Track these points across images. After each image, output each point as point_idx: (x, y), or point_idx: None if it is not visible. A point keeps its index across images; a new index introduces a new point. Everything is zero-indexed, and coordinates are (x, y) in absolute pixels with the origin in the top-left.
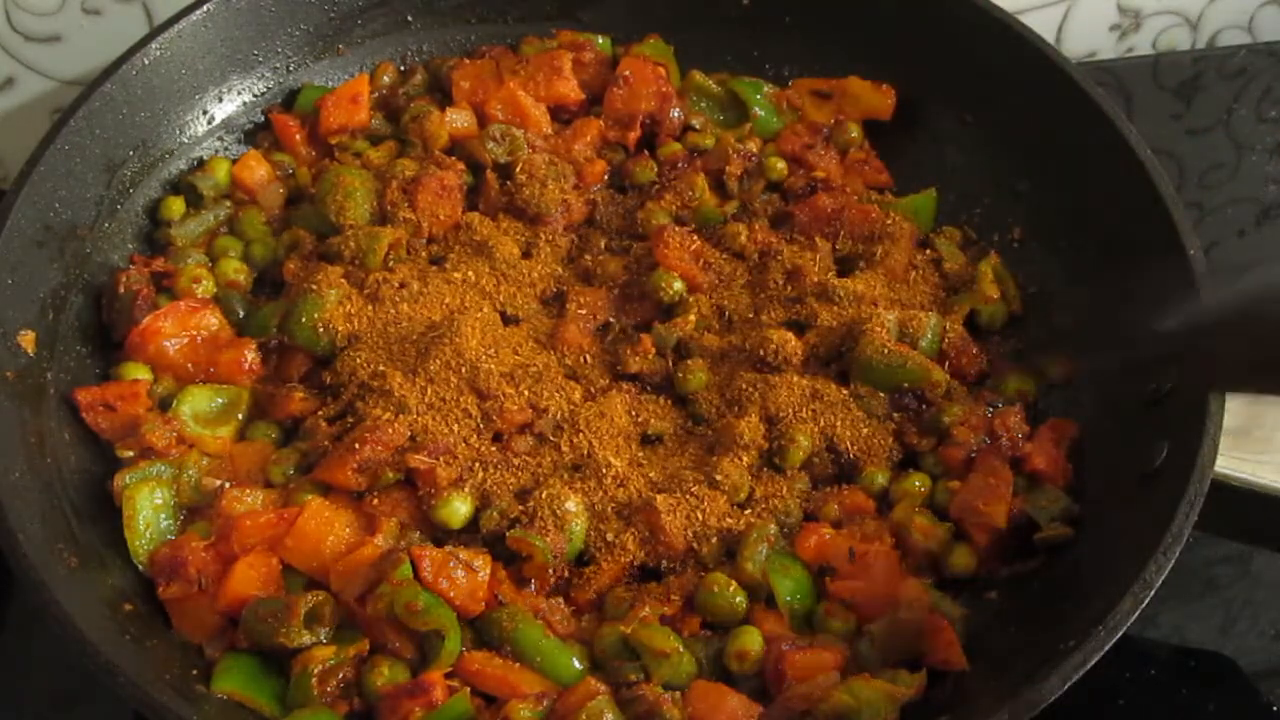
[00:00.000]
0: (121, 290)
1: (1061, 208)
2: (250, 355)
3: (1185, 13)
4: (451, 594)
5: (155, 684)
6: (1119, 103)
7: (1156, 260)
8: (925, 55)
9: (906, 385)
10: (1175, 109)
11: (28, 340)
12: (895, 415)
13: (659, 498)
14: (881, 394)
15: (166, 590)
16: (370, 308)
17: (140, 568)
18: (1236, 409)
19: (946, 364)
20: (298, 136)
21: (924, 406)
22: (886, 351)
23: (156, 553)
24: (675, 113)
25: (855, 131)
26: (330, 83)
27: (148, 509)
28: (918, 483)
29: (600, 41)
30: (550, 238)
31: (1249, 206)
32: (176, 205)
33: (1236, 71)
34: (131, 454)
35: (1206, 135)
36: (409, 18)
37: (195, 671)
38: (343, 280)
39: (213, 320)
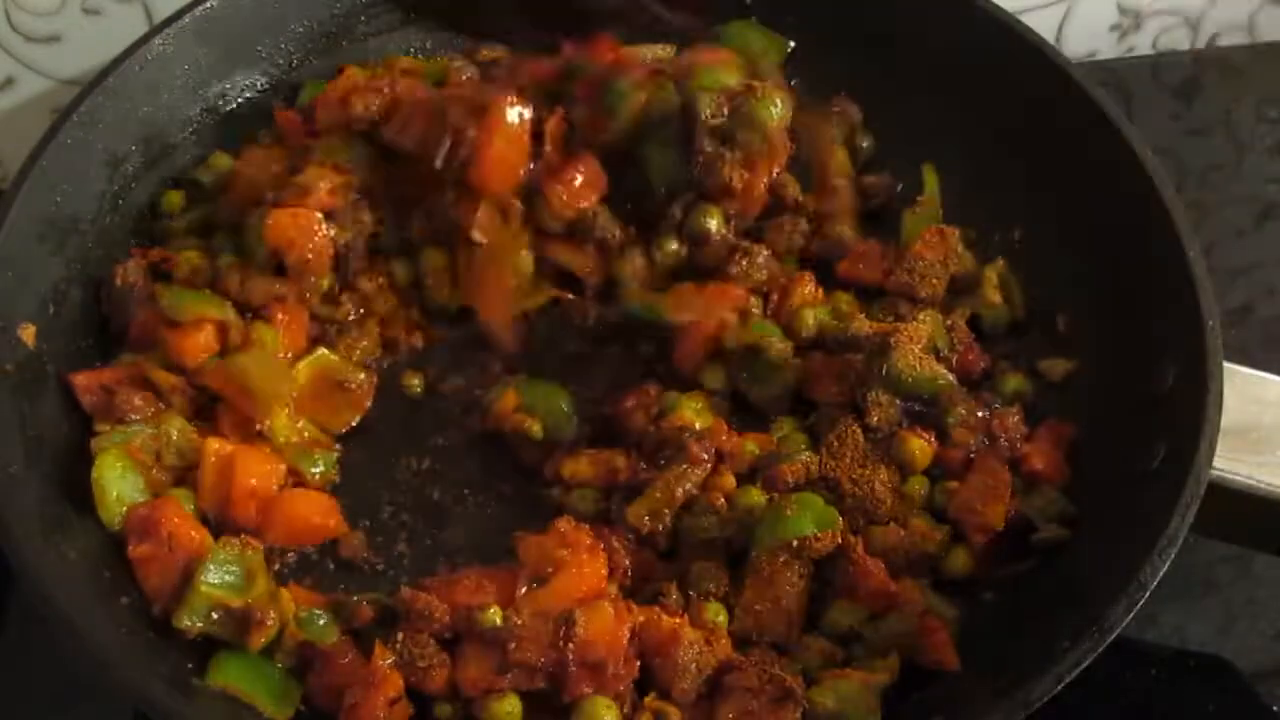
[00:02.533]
0: (119, 283)
1: (1061, 208)
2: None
3: (1185, 13)
4: None
5: (150, 678)
6: (1119, 103)
7: (1156, 261)
8: (926, 55)
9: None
10: (1175, 109)
11: (28, 333)
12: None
13: None
14: (898, 401)
15: (136, 549)
16: None
17: (109, 527)
18: (1235, 410)
19: (948, 365)
20: (300, 132)
21: (930, 410)
22: (919, 366)
23: (131, 512)
24: None
25: None
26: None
27: (117, 469)
28: (917, 485)
29: None
30: None
31: (1249, 206)
32: (176, 199)
33: (1236, 71)
34: (109, 428)
35: (1206, 135)
36: (412, 14)
37: (190, 665)
38: None
39: None
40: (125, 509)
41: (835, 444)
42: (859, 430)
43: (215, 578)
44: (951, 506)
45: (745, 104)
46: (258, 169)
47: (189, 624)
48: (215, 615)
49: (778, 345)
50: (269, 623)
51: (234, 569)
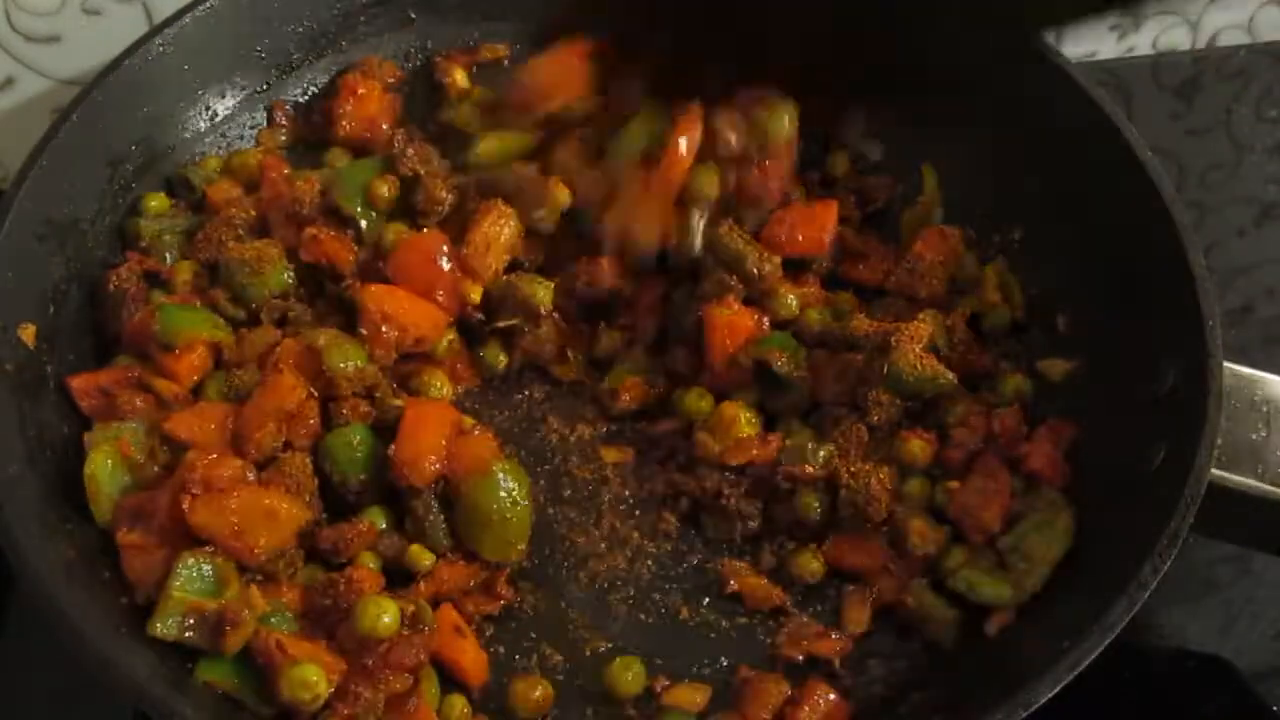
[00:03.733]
0: (111, 288)
1: (1062, 208)
2: None
3: (1185, 13)
4: None
5: (150, 678)
6: (1119, 103)
7: (1156, 261)
8: (926, 56)
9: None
10: (1175, 109)
11: (28, 333)
12: (903, 420)
13: None
14: (899, 402)
15: (127, 535)
16: None
17: (101, 522)
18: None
19: (948, 365)
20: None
21: (930, 410)
22: (919, 366)
23: (124, 500)
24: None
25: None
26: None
27: (108, 466)
28: (917, 485)
29: None
30: None
31: (1249, 206)
32: (157, 202)
33: (1236, 71)
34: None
35: (1206, 135)
36: (411, 15)
37: (189, 665)
38: None
39: None
40: (115, 499)
41: (842, 442)
42: (864, 429)
43: (187, 583)
44: (951, 506)
45: (759, 117)
46: (232, 208)
47: (162, 631)
48: (189, 621)
49: (788, 367)
50: (243, 624)
51: (206, 572)
